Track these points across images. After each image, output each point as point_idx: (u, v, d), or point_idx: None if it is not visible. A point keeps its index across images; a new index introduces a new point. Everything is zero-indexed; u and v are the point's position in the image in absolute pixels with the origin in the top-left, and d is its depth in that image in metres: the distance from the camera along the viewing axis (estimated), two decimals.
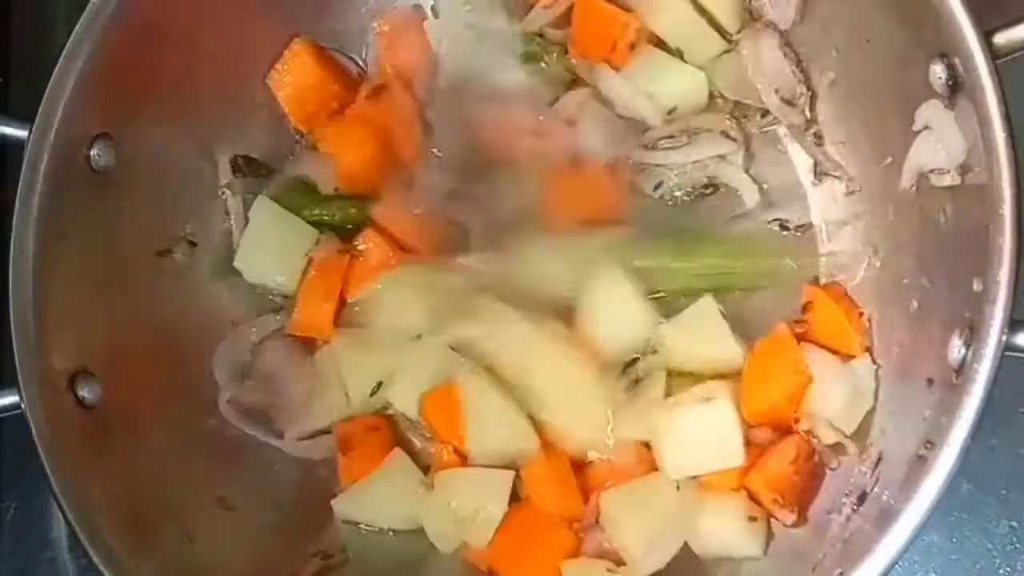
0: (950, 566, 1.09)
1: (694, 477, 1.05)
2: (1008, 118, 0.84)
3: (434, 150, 1.16)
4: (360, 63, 1.22)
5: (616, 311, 1.08)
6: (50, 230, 1.01)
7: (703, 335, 1.07)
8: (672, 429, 1.03)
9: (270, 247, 1.17)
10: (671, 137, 1.12)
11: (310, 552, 1.12)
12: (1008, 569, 1.09)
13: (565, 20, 1.16)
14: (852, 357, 1.05)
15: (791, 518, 1.02)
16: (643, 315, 1.08)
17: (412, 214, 1.15)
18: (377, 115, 1.17)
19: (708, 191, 1.14)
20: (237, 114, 1.18)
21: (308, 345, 1.18)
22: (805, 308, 1.07)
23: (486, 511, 1.07)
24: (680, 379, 1.08)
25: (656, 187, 1.13)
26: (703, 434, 1.03)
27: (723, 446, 1.03)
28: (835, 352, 1.05)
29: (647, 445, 1.06)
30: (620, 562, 1.04)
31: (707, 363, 1.08)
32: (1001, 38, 0.86)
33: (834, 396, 1.02)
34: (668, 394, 1.06)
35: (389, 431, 1.16)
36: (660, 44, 1.13)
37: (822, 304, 1.07)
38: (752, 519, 1.03)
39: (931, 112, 0.95)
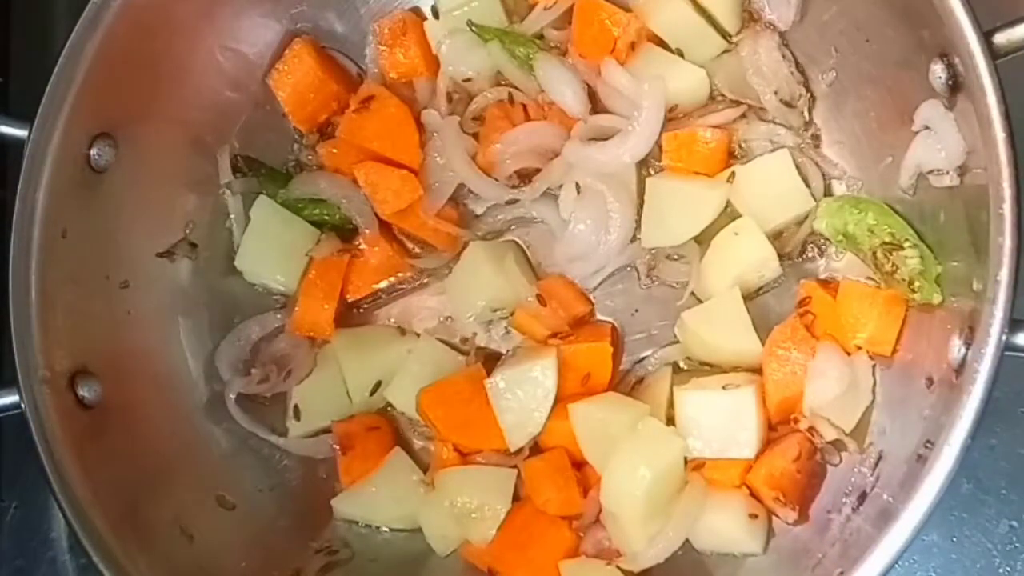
0: (950, 566, 1.09)
1: (700, 468, 1.05)
2: (1008, 118, 0.84)
3: (436, 156, 1.16)
4: (360, 64, 1.22)
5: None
6: (50, 230, 1.01)
7: (725, 326, 1.07)
8: (693, 411, 1.04)
9: (270, 247, 1.17)
10: None
11: (314, 548, 1.12)
12: (1008, 569, 1.09)
13: (565, 20, 1.16)
14: (848, 352, 1.05)
15: (792, 516, 1.03)
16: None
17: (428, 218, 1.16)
18: (368, 126, 1.16)
19: None
20: (237, 114, 1.18)
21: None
22: (803, 303, 1.08)
23: (490, 507, 1.07)
24: (691, 372, 1.10)
25: None
26: (722, 420, 1.04)
27: (739, 434, 1.03)
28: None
29: None
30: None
31: (725, 354, 1.09)
32: (1001, 38, 0.86)
33: (832, 387, 1.03)
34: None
35: (389, 430, 1.16)
36: (660, 44, 1.13)
37: (819, 299, 1.07)
38: (753, 516, 1.03)
39: (931, 112, 0.95)
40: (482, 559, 1.09)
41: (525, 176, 1.17)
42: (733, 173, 1.10)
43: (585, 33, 1.14)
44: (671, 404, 1.07)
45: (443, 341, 1.16)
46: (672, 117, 1.12)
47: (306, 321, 1.16)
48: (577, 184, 1.13)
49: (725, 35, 1.13)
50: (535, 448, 1.11)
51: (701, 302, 1.10)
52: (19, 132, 1.01)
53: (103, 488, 0.99)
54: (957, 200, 0.94)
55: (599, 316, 1.17)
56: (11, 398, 0.99)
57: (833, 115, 1.12)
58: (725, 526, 1.04)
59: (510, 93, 1.17)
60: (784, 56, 1.11)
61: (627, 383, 1.13)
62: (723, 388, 1.05)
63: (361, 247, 1.18)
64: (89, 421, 1.02)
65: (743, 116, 1.13)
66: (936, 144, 0.95)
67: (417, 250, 1.20)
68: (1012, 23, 0.87)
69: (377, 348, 1.16)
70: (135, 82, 1.07)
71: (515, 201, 1.17)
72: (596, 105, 1.15)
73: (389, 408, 1.17)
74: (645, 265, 1.15)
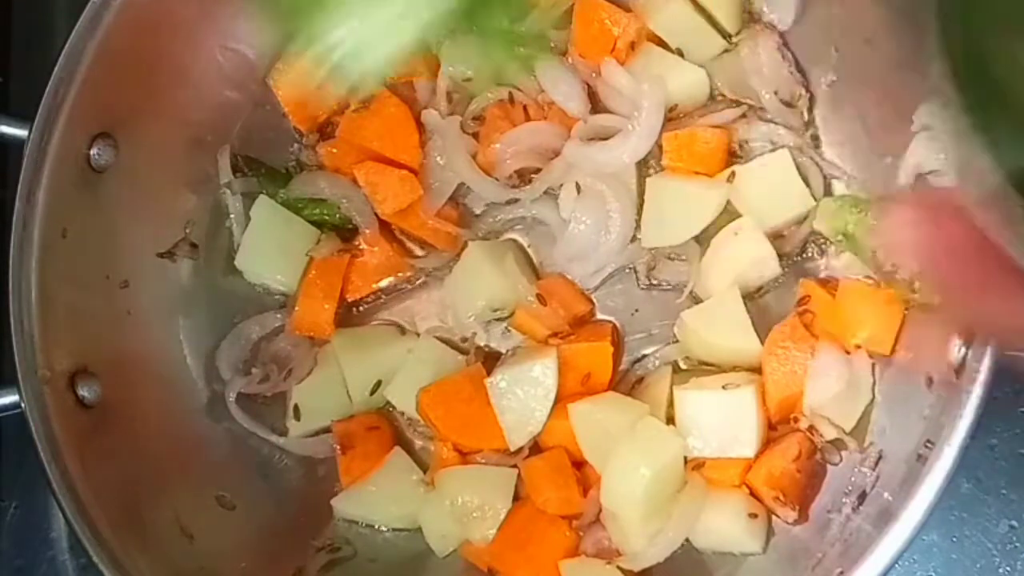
0: (950, 565, 1.09)
1: (700, 468, 1.05)
2: None
3: (436, 156, 1.16)
4: None
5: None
6: (50, 230, 1.01)
7: (725, 326, 1.07)
8: (693, 411, 1.04)
9: (271, 247, 1.17)
10: None
11: (315, 547, 1.12)
12: (1008, 568, 1.09)
13: (565, 20, 1.16)
14: (848, 351, 1.05)
15: (792, 516, 1.03)
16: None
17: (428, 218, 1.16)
18: (368, 126, 1.16)
19: None
20: (237, 114, 1.19)
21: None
22: (802, 302, 1.08)
23: (491, 506, 1.07)
24: (691, 372, 1.10)
25: None
26: (722, 419, 1.04)
27: (739, 434, 1.03)
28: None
29: None
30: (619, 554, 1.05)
31: (725, 354, 1.08)
32: None
33: (832, 385, 1.03)
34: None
35: (389, 430, 1.16)
36: (660, 44, 1.13)
37: (819, 298, 1.07)
38: (753, 516, 1.03)
39: (931, 112, 0.95)
40: (482, 559, 1.09)
41: (525, 176, 1.17)
42: (733, 173, 1.10)
43: (585, 33, 1.14)
44: (671, 403, 1.07)
45: (443, 341, 1.16)
46: (672, 117, 1.12)
47: (306, 321, 1.16)
48: (577, 184, 1.13)
49: (725, 35, 1.13)
50: (535, 448, 1.11)
51: (701, 302, 1.10)
52: (19, 132, 1.01)
53: (103, 488, 0.99)
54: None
55: (599, 316, 1.17)
56: (11, 398, 0.99)
57: (833, 115, 1.12)
58: (725, 525, 1.04)
59: (510, 93, 1.17)
60: (784, 56, 1.11)
61: (627, 383, 1.13)
62: (723, 387, 1.05)
63: (361, 247, 1.18)
64: (89, 421, 1.02)
65: (743, 116, 1.13)
66: (936, 145, 0.95)
67: (417, 250, 1.20)
68: None
69: (377, 348, 1.16)
70: (135, 82, 1.07)
71: (515, 201, 1.17)
72: (596, 105, 1.15)
73: (389, 408, 1.17)
74: (645, 265, 1.15)
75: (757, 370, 1.07)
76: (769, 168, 1.10)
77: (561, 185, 1.15)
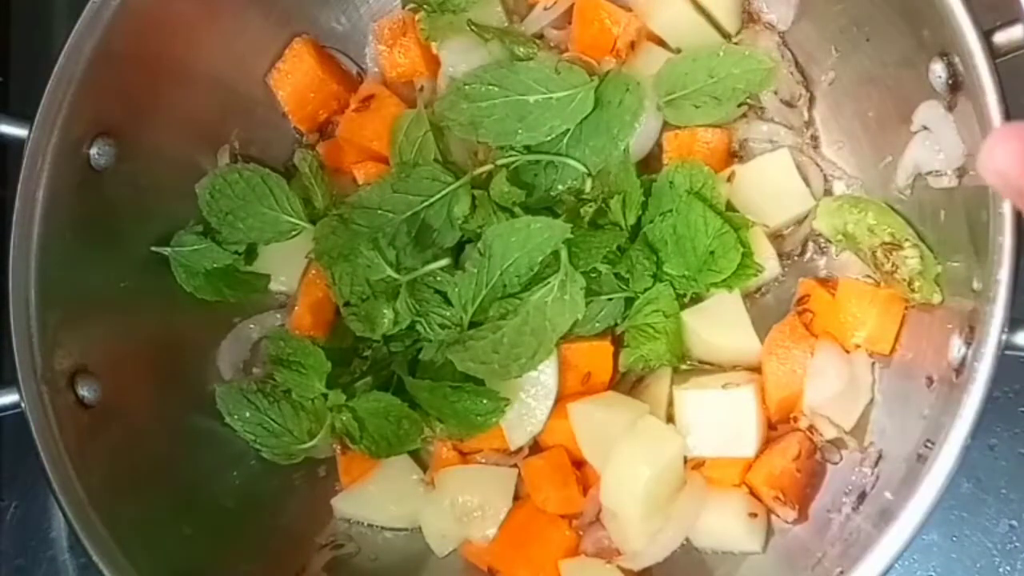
0: (950, 565, 1.09)
1: (700, 467, 1.06)
2: (1008, 117, 0.84)
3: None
4: (360, 63, 1.22)
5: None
6: (50, 229, 1.01)
7: (725, 325, 1.07)
8: (693, 410, 1.04)
9: (271, 247, 1.16)
10: None
11: (318, 544, 1.12)
12: (1008, 568, 1.09)
13: (565, 20, 1.16)
14: (847, 351, 1.05)
15: (792, 515, 1.03)
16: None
17: None
18: (368, 125, 1.16)
19: None
20: (237, 113, 1.18)
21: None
22: (802, 301, 1.08)
23: (491, 506, 1.08)
24: (691, 371, 1.10)
25: None
26: (722, 419, 1.04)
27: (739, 433, 1.04)
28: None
29: None
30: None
31: (725, 353, 1.09)
32: (1001, 37, 0.86)
33: (831, 385, 1.03)
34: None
35: None
36: (660, 44, 1.13)
37: (818, 297, 1.07)
38: (753, 515, 1.04)
39: (930, 113, 0.95)
40: (482, 558, 1.09)
41: None
42: (733, 173, 1.10)
43: (585, 33, 1.14)
44: (671, 403, 1.07)
45: None
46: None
47: (306, 321, 1.16)
48: None
49: (725, 35, 1.13)
50: (535, 447, 1.11)
51: (701, 301, 1.10)
52: (19, 132, 1.01)
53: (103, 488, 0.99)
54: (957, 200, 0.94)
55: None
56: (11, 398, 0.98)
57: (833, 115, 1.12)
58: (725, 525, 1.04)
59: None
60: (784, 56, 1.11)
61: (627, 382, 1.12)
62: (723, 387, 1.05)
63: None
64: (89, 421, 1.02)
65: (743, 116, 1.13)
66: (935, 146, 0.95)
67: None
68: (1011, 22, 0.87)
69: None
70: (135, 82, 1.07)
71: None
72: None
73: None
74: None
75: (757, 370, 1.07)
76: (769, 168, 1.10)
77: None
